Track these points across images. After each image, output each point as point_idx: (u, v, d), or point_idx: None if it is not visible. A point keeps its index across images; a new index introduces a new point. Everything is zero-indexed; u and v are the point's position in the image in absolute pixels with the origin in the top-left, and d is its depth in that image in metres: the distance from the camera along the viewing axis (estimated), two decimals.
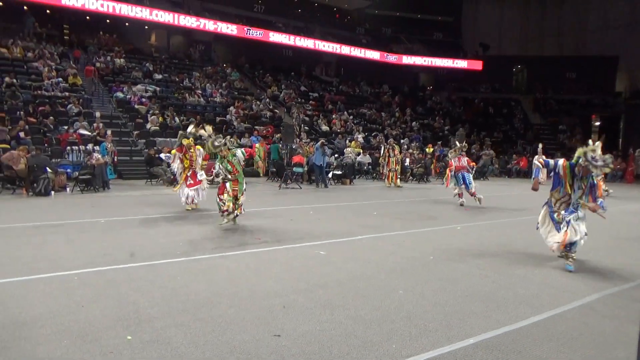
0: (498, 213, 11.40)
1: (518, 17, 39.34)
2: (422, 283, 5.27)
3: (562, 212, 6.08)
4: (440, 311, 4.41)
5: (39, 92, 19.56)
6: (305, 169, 17.69)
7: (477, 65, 36.97)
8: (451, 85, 38.79)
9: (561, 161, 6.14)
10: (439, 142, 26.65)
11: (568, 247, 5.95)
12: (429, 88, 38.73)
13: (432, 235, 8.20)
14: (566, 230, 5.87)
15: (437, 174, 22.00)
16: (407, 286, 5.13)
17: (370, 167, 21.59)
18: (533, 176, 6.45)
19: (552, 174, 6.23)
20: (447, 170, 12.88)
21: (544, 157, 7.04)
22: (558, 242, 5.97)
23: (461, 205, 12.12)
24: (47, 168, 12.21)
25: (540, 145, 15.69)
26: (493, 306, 4.58)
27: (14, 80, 19.21)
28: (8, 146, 14.43)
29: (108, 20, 27.46)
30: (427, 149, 24.88)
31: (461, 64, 37.09)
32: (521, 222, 9.92)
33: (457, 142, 13.73)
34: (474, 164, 13.50)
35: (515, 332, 3.99)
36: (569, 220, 5.89)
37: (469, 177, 12.25)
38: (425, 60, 36.73)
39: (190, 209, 10.15)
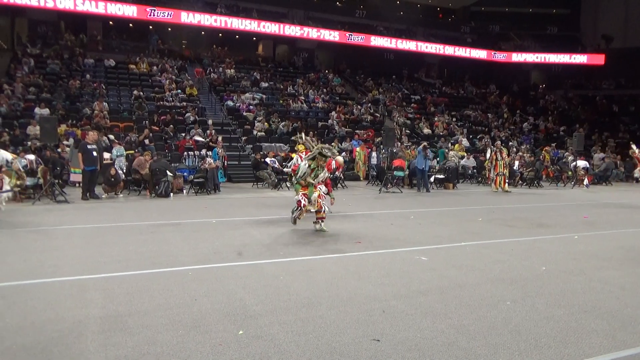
0: (624, 222, 10.26)
1: None
2: (533, 295, 4.90)
3: None
4: (554, 326, 4.06)
5: (161, 102, 21.57)
6: (407, 172, 17.40)
7: (599, 59, 33.71)
8: (567, 83, 35.77)
9: None
10: (553, 144, 24.70)
11: None
12: (542, 86, 36.08)
13: (545, 244, 7.61)
14: None
15: (551, 178, 20.38)
16: (516, 297, 4.81)
17: (475, 171, 20.65)
18: None
19: None
20: None
21: None
22: None
23: None
24: (168, 172, 13.38)
25: None
26: (617, 325, 4.13)
27: (141, 93, 21.41)
28: (134, 152, 16.09)
29: (220, 34, 29.51)
30: (540, 151, 23.15)
31: (580, 59, 34.10)
32: None
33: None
34: None
35: None
36: None
37: None
38: (537, 57, 34.39)
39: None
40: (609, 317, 4.31)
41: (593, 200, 14.65)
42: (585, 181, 19.22)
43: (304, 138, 9.51)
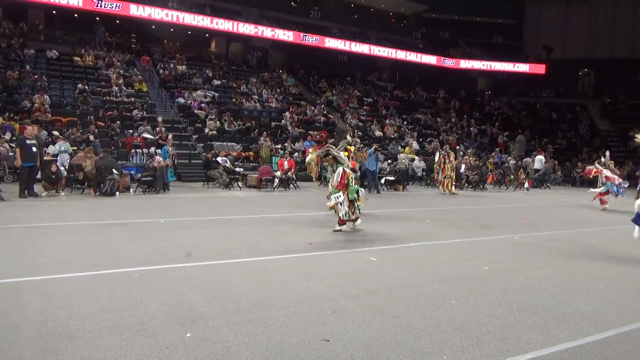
0: (561, 223, 10.86)
1: (586, 18, 37.43)
2: (476, 294, 5.10)
3: None
4: (494, 323, 4.25)
5: (108, 97, 20.75)
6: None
7: (540, 69, 35.55)
8: (511, 90, 37.52)
9: None
10: (497, 149, 25.82)
11: None
12: (488, 93, 37.62)
13: (488, 245, 7.93)
14: None
15: (495, 182, 21.26)
16: (460, 296, 4.99)
17: (424, 173, 21.22)
18: None
19: None
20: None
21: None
22: None
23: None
24: (114, 170, 12.88)
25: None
26: (552, 321, 4.37)
27: (86, 87, 20.51)
28: (76, 149, 15.40)
29: (172, 29, 28.76)
30: (485, 155, 24.14)
31: (523, 67, 35.82)
32: (585, 234, 9.39)
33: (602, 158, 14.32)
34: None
35: (575, 350, 3.78)
36: None
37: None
38: (484, 65, 35.78)
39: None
40: (545, 314, 4.56)
41: (533, 202, 15.41)
42: (526, 185, 20.21)
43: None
